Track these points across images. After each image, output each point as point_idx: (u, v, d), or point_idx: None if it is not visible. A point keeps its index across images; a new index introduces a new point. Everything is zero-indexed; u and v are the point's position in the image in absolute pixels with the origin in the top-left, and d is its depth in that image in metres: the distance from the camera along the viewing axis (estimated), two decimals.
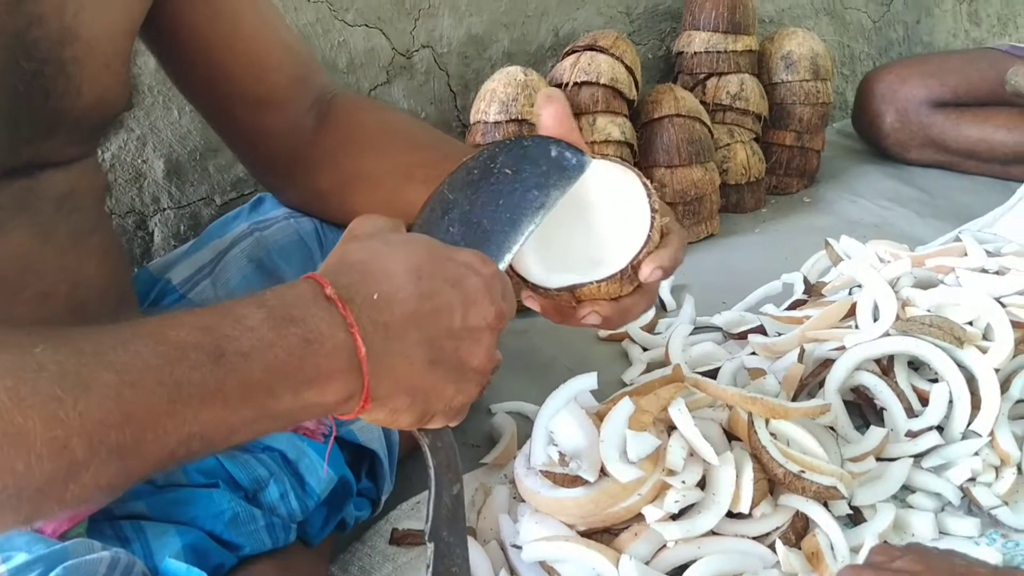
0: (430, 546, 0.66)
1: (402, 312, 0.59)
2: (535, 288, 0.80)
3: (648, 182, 0.79)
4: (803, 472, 0.90)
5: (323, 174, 0.93)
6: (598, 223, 0.81)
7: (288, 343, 0.54)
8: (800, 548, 0.89)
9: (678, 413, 0.93)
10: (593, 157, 0.80)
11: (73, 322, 0.67)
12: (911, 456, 0.99)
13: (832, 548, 0.88)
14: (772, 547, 0.89)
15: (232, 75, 0.87)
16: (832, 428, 1.01)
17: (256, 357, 0.53)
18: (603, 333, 1.39)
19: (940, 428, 1.02)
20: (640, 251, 0.76)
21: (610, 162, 0.81)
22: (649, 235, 0.76)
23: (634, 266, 0.77)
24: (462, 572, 0.67)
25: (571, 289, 0.78)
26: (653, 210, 0.77)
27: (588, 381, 0.96)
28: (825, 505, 0.91)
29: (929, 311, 1.09)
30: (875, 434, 1.00)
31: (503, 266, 0.75)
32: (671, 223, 0.80)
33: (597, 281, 0.77)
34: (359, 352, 0.57)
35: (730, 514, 0.90)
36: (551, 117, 0.79)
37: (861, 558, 0.88)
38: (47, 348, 0.48)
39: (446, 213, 0.77)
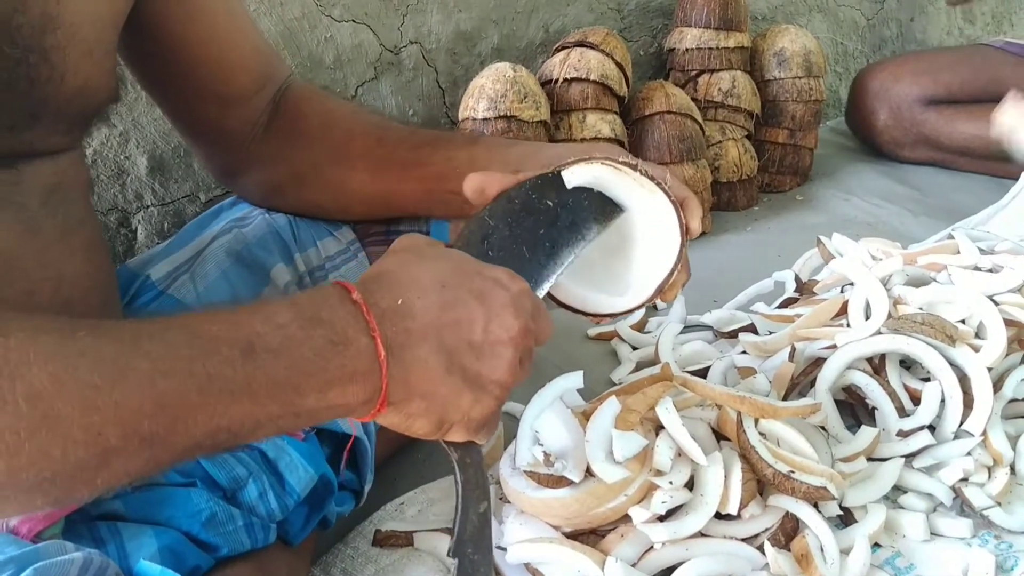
0: (454, 562, 0.67)
1: (423, 320, 0.61)
2: (575, 311, 0.86)
3: (670, 194, 0.82)
4: (793, 472, 0.88)
5: (275, 168, 0.94)
6: (630, 241, 0.85)
7: (315, 343, 0.57)
8: (789, 550, 0.88)
9: (665, 412, 0.92)
10: (625, 166, 0.82)
11: None
12: (903, 456, 0.98)
13: (822, 549, 0.87)
14: (761, 549, 0.87)
15: (202, 75, 0.88)
16: (823, 428, 1.00)
17: (284, 355, 0.55)
18: (592, 331, 1.37)
19: (932, 427, 1.01)
20: (667, 278, 0.83)
21: (637, 177, 0.83)
22: (676, 263, 0.82)
23: (681, 254, 0.83)
24: None
25: (608, 315, 0.85)
26: (682, 232, 0.82)
27: (574, 380, 0.95)
28: (815, 506, 0.90)
29: (921, 309, 1.08)
30: (866, 434, 0.99)
31: (540, 292, 0.78)
32: (678, 185, 0.84)
33: (657, 288, 0.84)
34: (379, 355, 0.58)
35: (718, 515, 0.88)
36: None
37: (851, 559, 0.87)
38: (88, 334, 0.50)
39: (485, 238, 0.79)
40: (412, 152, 0.91)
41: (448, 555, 0.67)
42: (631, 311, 0.86)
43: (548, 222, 0.81)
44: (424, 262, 0.65)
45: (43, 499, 0.50)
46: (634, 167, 0.82)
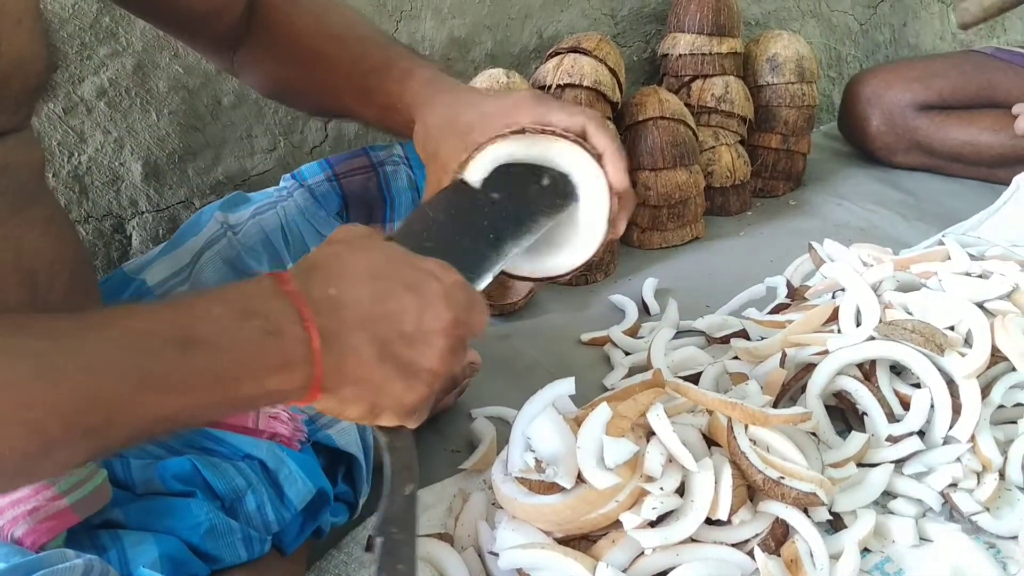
0: (378, 540, 0.67)
1: (356, 310, 0.62)
2: (526, 279, 0.86)
3: (591, 153, 0.82)
4: (782, 478, 0.89)
5: (261, 76, 0.99)
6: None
7: (249, 334, 0.58)
8: (779, 555, 0.89)
9: (656, 419, 0.92)
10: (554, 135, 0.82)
11: (22, 292, 0.69)
12: (892, 462, 0.98)
13: (811, 555, 0.87)
14: (751, 554, 0.88)
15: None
16: (813, 434, 1.00)
17: (220, 346, 0.57)
18: (585, 337, 1.38)
19: (922, 433, 1.01)
20: (600, 245, 0.83)
21: (562, 142, 0.82)
22: (610, 211, 0.82)
23: (611, 208, 0.83)
24: (408, 570, 0.67)
25: (562, 276, 0.84)
26: (610, 200, 0.82)
27: (566, 386, 0.95)
28: (805, 511, 0.90)
29: (911, 315, 1.09)
30: (856, 439, 1.00)
31: (482, 284, 0.78)
32: (594, 131, 0.83)
33: (583, 263, 0.84)
34: (313, 344, 0.60)
35: (709, 521, 0.89)
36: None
37: (841, 565, 0.87)
38: (24, 336, 0.52)
39: (425, 229, 0.78)
40: (362, 79, 0.92)
41: (373, 534, 0.68)
42: (578, 269, 0.85)
43: (492, 214, 0.80)
44: (357, 253, 0.66)
45: None
46: (544, 131, 0.82)
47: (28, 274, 0.71)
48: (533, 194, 0.82)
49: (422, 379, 0.65)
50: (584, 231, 0.84)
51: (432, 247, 0.76)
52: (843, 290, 1.19)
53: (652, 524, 0.87)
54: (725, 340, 1.26)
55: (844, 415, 1.09)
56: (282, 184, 1.05)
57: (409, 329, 0.64)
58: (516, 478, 0.92)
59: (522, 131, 0.82)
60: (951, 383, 1.02)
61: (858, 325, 1.10)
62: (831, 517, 0.93)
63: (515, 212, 0.81)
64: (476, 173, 0.81)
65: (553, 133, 0.82)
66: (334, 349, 0.61)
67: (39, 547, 0.66)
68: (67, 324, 0.54)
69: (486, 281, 0.79)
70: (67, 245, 0.78)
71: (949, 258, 1.24)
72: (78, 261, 0.81)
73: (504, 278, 0.84)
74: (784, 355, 1.10)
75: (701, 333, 1.32)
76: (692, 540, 0.88)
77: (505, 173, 0.82)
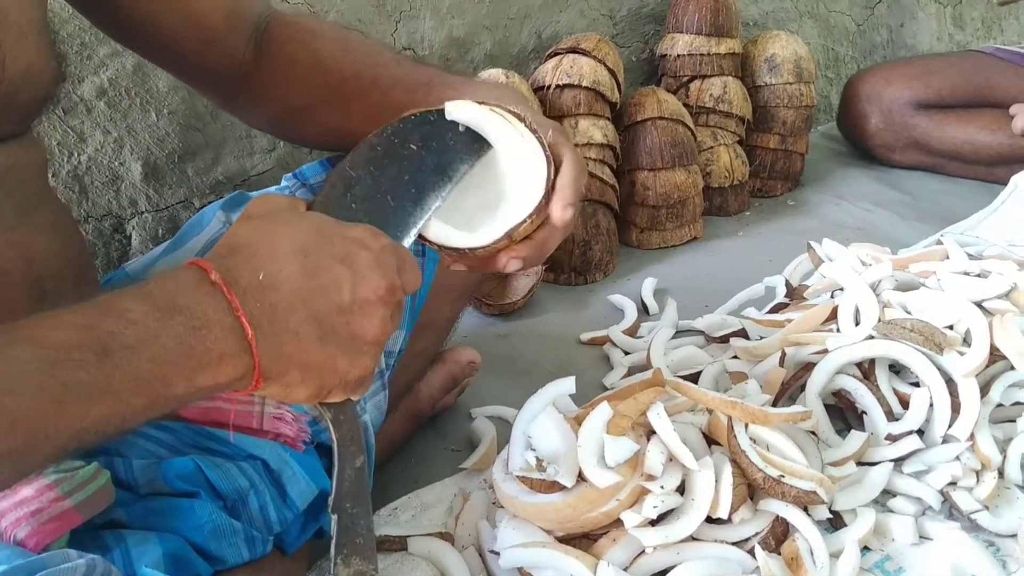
0: (334, 517, 0.66)
1: (288, 291, 0.60)
2: (452, 251, 0.79)
3: (530, 122, 0.80)
4: (783, 477, 0.89)
5: (269, 105, 0.95)
6: (496, 174, 0.81)
7: (175, 332, 0.55)
8: (780, 553, 0.89)
9: (657, 417, 0.92)
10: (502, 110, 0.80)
11: (31, 298, 0.68)
12: (892, 460, 0.99)
13: (812, 553, 0.88)
14: (752, 553, 0.88)
15: (166, 25, 0.87)
16: (813, 432, 1.01)
17: (143, 349, 0.54)
18: (584, 336, 1.38)
19: (921, 432, 1.02)
20: (542, 197, 0.77)
21: (491, 111, 0.81)
22: (547, 177, 0.77)
23: (539, 207, 0.77)
24: (366, 542, 0.66)
25: (488, 247, 0.78)
26: (547, 155, 0.78)
27: (566, 385, 0.95)
28: (805, 510, 0.91)
29: (910, 314, 1.09)
30: (856, 438, 1.00)
31: (409, 240, 0.75)
32: (562, 146, 0.80)
33: (507, 233, 0.77)
34: (247, 334, 0.58)
35: (709, 519, 0.89)
36: None
37: (841, 563, 0.87)
38: None
39: (348, 190, 0.77)
40: (407, 95, 0.89)
41: (328, 512, 0.67)
42: (487, 247, 0.78)
43: (413, 167, 0.79)
44: (282, 228, 0.64)
45: None
46: (508, 111, 0.80)
47: (37, 282, 0.71)
48: (450, 139, 0.80)
49: (365, 352, 0.64)
50: (512, 199, 0.80)
51: (356, 208, 0.74)
52: (842, 289, 1.19)
53: (653, 523, 0.88)
54: (724, 339, 1.26)
55: (843, 414, 1.09)
56: (283, 183, 1.05)
57: (346, 302, 0.62)
58: (517, 477, 0.92)
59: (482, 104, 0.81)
60: (950, 382, 1.02)
61: (857, 324, 1.11)
62: (831, 515, 0.94)
63: (434, 162, 0.79)
64: (455, 113, 0.80)
65: (507, 110, 0.80)
66: (270, 335, 0.59)
67: (42, 548, 0.65)
68: None
69: (412, 237, 0.76)
70: (73, 248, 0.78)
71: (948, 257, 1.24)
72: (83, 265, 0.81)
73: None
74: (783, 354, 1.10)
75: (700, 333, 1.33)
76: (693, 538, 0.88)
77: (423, 122, 0.81)
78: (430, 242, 0.79)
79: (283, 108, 0.95)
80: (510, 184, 0.80)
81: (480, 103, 0.81)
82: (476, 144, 0.80)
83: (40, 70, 0.70)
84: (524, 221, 0.77)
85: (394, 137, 0.80)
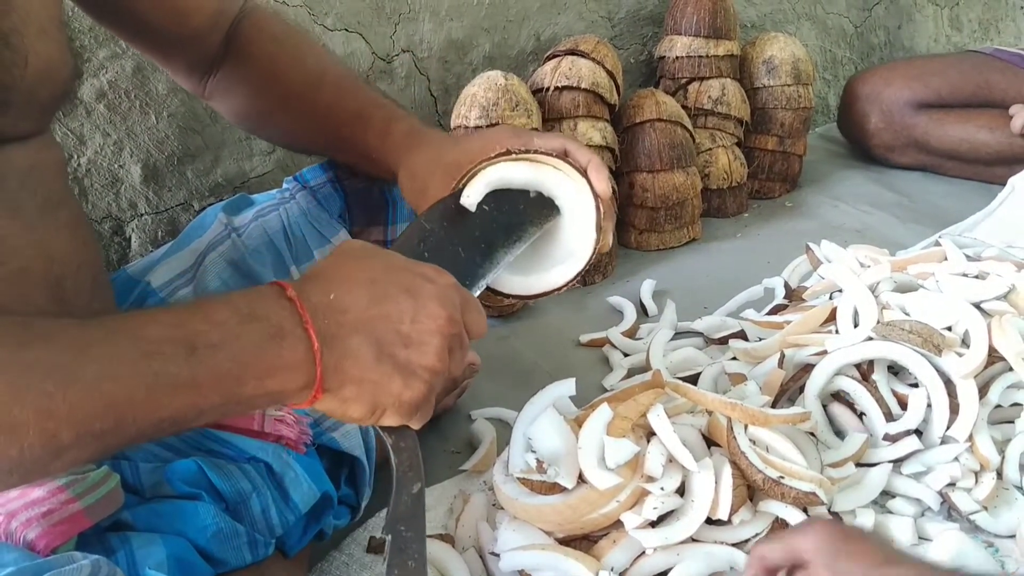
0: (387, 538, 0.69)
1: (354, 313, 0.65)
2: (520, 298, 0.90)
3: (576, 167, 0.87)
4: (782, 478, 0.89)
5: (234, 102, 1.01)
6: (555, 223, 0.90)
7: (253, 337, 0.60)
8: None
9: (657, 419, 0.93)
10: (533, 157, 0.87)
11: (51, 298, 0.71)
12: (891, 461, 0.99)
13: None
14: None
15: (153, 20, 0.91)
16: (812, 434, 1.01)
17: (224, 348, 0.59)
18: (584, 338, 1.38)
19: (919, 433, 1.02)
20: (592, 252, 0.87)
21: (549, 159, 0.87)
22: (597, 229, 0.87)
23: (596, 247, 0.87)
24: (418, 566, 0.68)
25: (553, 292, 0.89)
26: (598, 208, 0.87)
27: (566, 387, 0.96)
28: (805, 511, 0.91)
29: (908, 316, 1.09)
30: (855, 439, 1.00)
31: (476, 290, 0.82)
32: (595, 165, 0.88)
33: (572, 278, 0.88)
34: (313, 346, 0.62)
35: (709, 520, 0.89)
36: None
37: None
38: (40, 344, 0.54)
39: (421, 241, 0.83)
40: (338, 128, 0.96)
41: (382, 532, 0.70)
42: (570, 283, 0.89)
43: (483, 225, 0.85)
44: (358, 261, 0.69)
45: (3, 484, 0.57)
46: (529, 150, 0.86)
47: (57, 280, 0.73)
48: (521, 205, 0.87)
49: (420, 377, 0.67)
50: (574, 242, 0.88)
51: (428, 257, 0.80)
52: (840, 291, 1.19)
53: (653, 524, 0.88)
54: (723, 341, 1.27)
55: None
56: (285, 186, 1.05)
57: (405, 329, 0.66)
58: (517, 479, 0.92)
59: (507, 152, 0.86)
60: (949, 383, 1.02)
61: (856, 326, 1.11)
62: (831, 517, 0.94)
63: (505, 222, 0.86)
64: (471, 197, 0.86)
65: (538, 152, 0.87)
66: (333, 350, 0.63)
67: (51, 550, 0.66)
68: (81, 331, 0.56)
69: (480, 288, 0.83)
70: (90, 248, 0.80)
71: (946, 259, 1.25)
72: (98, 264, 0.82)
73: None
74: (782, 356, 1.11)
75: (699, 334, 1.33)
76: (693, 540, 0.88)
77: (495, 192, 0.87)
78: (499, 292, 0.88)
79: (244, 108, 1.01)
80: (566, 228, 0.89)
81: (519, 154, 0.87)
82: (545, 210, 0.88)
83: (59, 66, 0.71)
84: (587, 264, 0.87)
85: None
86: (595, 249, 0.87)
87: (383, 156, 0.94)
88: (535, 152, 0.87)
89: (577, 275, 0.88)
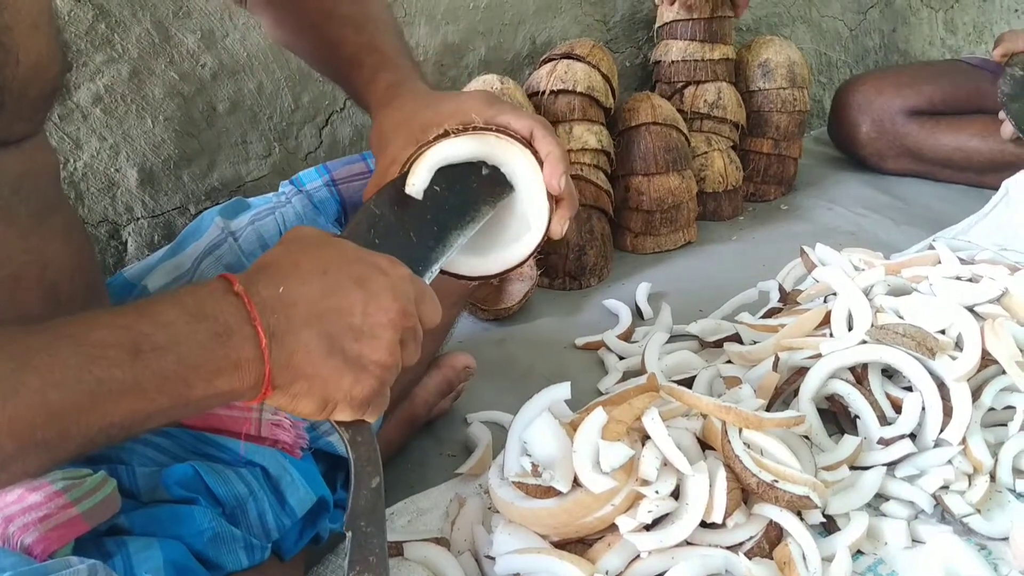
0: (348, 534, 0.68)
1: (304, 306, 0.63)
2: (472, 279, 0.87)
3: (518, 138, 0.84)
4: (776, 481, 0.90)
5: (265, 22, 1.02)
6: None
7: (199, 337, 0.59)
8: (772, 558, 0.89)
9: (651, 423, 0.93)
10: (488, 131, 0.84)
11: (45, 304, 0.70)
12: (884, 464, 0.99)
13: (804, 558, 0.88)
14: (746, 555, 0.88)
15: None
16: (806, 437, 1.01)
17: (170, 351, 0.58)
18: (579, 341, 1.39)
19: (913, 436, 1.02)
20: (544, 233, 0.84)
21: (504, 140, 0.84)
22: (549, 213, 0.84)
23: (547, 228, 0.84)
24: (379, 561, 0.68)
25: (505, 272, 0.86)
26: (550, 195, 0.84)
27: (561, 391, 0.96)
28: (799, 514, 0.91)
29: (902, 319, 1.10)
30: (849, 443, 1.01)
31: (430, 275, 0.80)
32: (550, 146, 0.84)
33: (523, 260, 0.85)
34: (261, 343, 0.61)
35: (704, 524, 0.90)
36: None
37: (834, 567, 0.88)
38: None
39: (372, 227, 0.80)
40: (336, 64, 0.95)
41: (343, 529, 0.69)
42: (527, 259, 0.86)
43: (436, 207, 0.82)
44: (308, 250, 0.67)
45: None
46: (487, 127, 0.84)
47: (51, 287, 0.72)
48: (473, 184, 0.84)
49: (370, 371, 0.66)
50: (529, 215, 0.85)
51: (380, 243, 0.78)
52: (835, 294, 1.20)
53: (648, 527, 0.88)
54: (718, 344, 1.27)
55: (836, 418, 1.10)
56: (281, 190, 1.05)
57: (356, 322, 0.65)
58: (513, 482, 0.92)
59: (467, 129, 0.84)
60: (942, 386, 1.03)
61: (850, 329, 1.11)
62: (824, 520, 0.94)
63: (457, 203, 0.83)
64: (416, 186, 0.83)
65: (495, 130, 0.84)
66: (283, 346, 0.62)
67: (48, 555, 0.66)
68: (25, 339, 0.55)
69: (433, 273, 0.81)
70: (85, 253, 0.79)
71: (939, 262, 1.25)
72: (93, 270, 0.81)
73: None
74: (777, 359, 1.11)
75: (694, 337, 1.33)
76: (688, 543, 0.88)
77: (446, 167, 0.84)
78: (451, 274, 0.84)
79: (270, 27, 1.01)
80: (521, 202, 0.85)
81: (453, 132, 0.84)
82: (498, 187, 0.85)
83: (49, 61, 0.70)
84: (527, 256, 0.85)
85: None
86: (540, 243, 0.85)
87: (367, 105, 0.93)
88: (474, 128, 0.84)
89: (534, 250, 0.85)
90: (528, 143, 0.84)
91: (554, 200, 0.84)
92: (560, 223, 0.84)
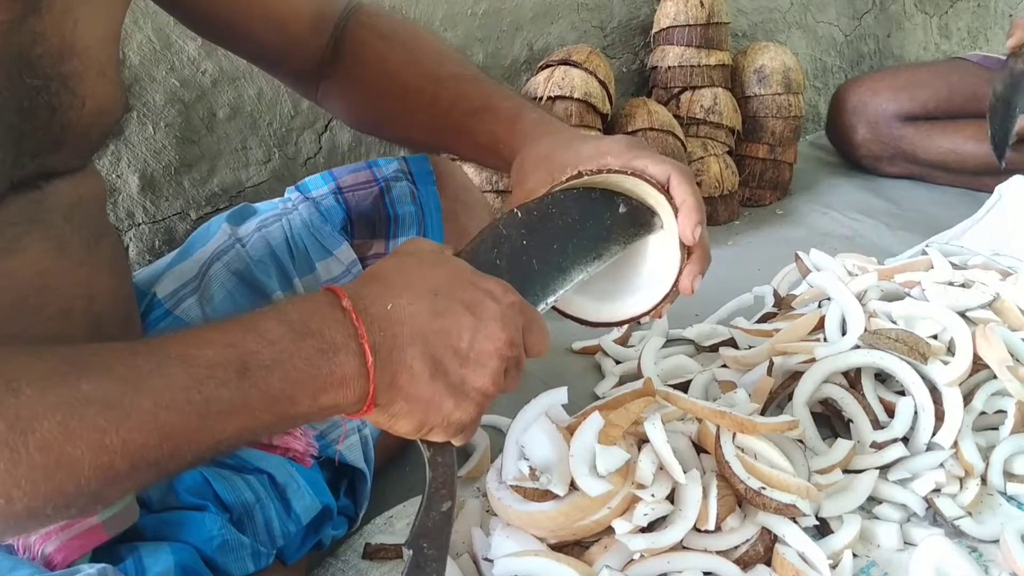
0: (408, 552, 0.67)
1: (411, 326, 0.63)
2: (584, 323, 0.85)
3: (659, 187, 0.81)
4: (763, 488, 0.90)
5: (345, 107, 1.00)
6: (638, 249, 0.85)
7: (306, 354, 0.59)
8: (768, 562, 0.90)
9: (652, 428, 0.94)
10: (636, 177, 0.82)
11: (89, 336, 0.70)
12: (877, 468, 1.00)
13: (804, 560, 0.89)
14: (740, 560, 0.89)
15: (252, 32, 0.90)
16: (800, 440, 1.02)
17: (277, 369, 0.58)
18: (576, 345, 1.40)
19: (906, 440, 1.03)
20: (673, 285, 0.82)
21: (643, 184, 0.82)
22: (680, 264, 0.81)
23: (672, 292, 0.82)
24: None
25: (622, 324, 0.85)
26: (682, 251, 0.82)
27: (558, 395, 0.97)
28: (793, 519, 0.92)
29: (895, 324, 1.11)
30: (842, 446, 1.02)
31: (544, 306, 0.79)
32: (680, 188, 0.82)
33: (645, 312, 0.83)
34: (367, 361, 0.61)
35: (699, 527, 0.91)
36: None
37: (836, 573, 0.89)
38: (91, 380, 0.53)
39: (496, 247, 0.78)
40: (463, 118, 0.92)
41: (404, 546, 0.68)
42: (636, 318, 0.85)
43: (565, 238, 0.80)
44: (422, 268, 0.67)
45: (63, 516, 0.56)
46: (626, 170, 0.81)
47: (95, 319, 0.72)
48: (607, 220, 0.82)
49: (472, 398, 0.66)
50: (650, 281, 0.84)
51: (500, 264, 0.76)
52: (829, 299, 1.21)
53: (643, 530, 0.89)
54: (714, 348, 1.28)
55: (830, 422, 1.11)
56: (287, 196, 1.05)
57: (463, 348, 0.65)
58: (510, 486, 0.93)
59: (601, 171, 0.81)
60: (934, 390, 1.04)
61: (843, 334, 1.13)
62: (818, 522, 0.95)
63: (588, 237, 0.81)
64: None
65: (634, 174, 0.81)
66: (388, 365, 0.62)
67: (68, 563, 0.67)
68: (134, 359, 0.56)
69: (548, 304, 0.80)
70: (126, 282, 0.79)
71: (932, 267, 1.26)
72: (132, 299, 0.81)
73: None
74: (771, 363, 1.12)
75: (690, 342, 1.34)
76: (684, 547, 0.89)
77: (584, 197, 0.82)
78: (564, 313, 0.83)
79: (356, 114, 0.99)
80: (647, 259, 0.84)
81: (608, 170, 0.81)
82: (632, 228, 0.83)
83: (112, 106, 0.71)
84: (658, 305, 0.82)
85: (552, 207, 0.81)
86: (667, 296, 0.82)
87: (506, 146, 0.89)
88: (608, 171, 0.81)
89: (658, 304, 0.83)
90: (664, 189, 0.81)
91: (686, 251, 0.82)
92: (690, 278, 0.82)
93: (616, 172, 0.81)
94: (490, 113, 0.91)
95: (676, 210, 0.81)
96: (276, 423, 0.60)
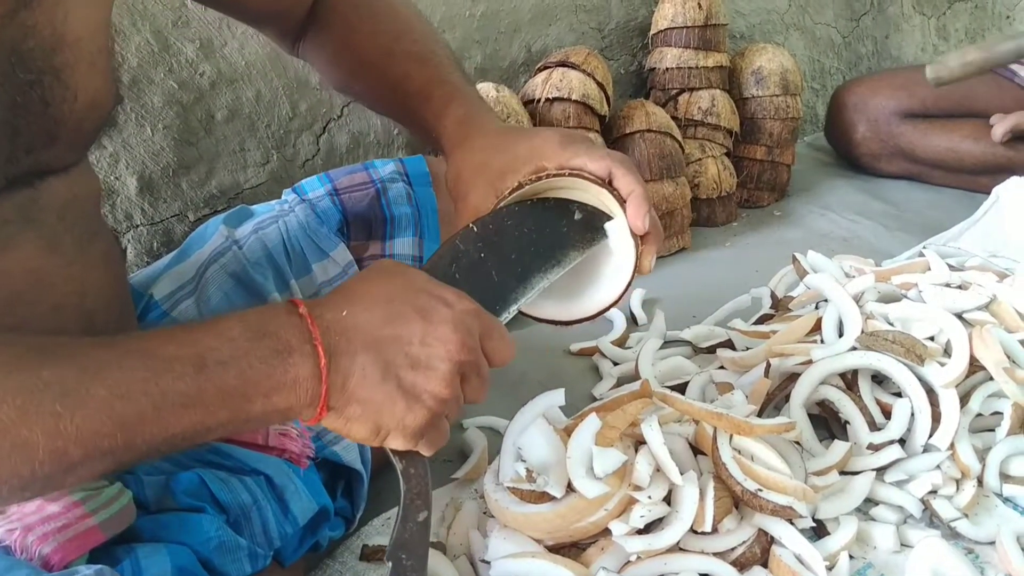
0: (388, 565, 0.69)
1: (364, 331, 0.65)
2: (549, 323, 0.87)
3: (616, 196, 0.82)
4: (760, 490, 0.91)
5: (319, 67, 1.02)
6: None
7: (261, 354, 0.61)
8: (765, 564, 0.90)
9: (649, 430, 0.94)
10: (568, 174, 0.83)
11: (82, 334, 0.71)
12: (874, 469, 1.01)
13: (800, 561, 0.89)
14: (737, 562, 0.90)
15: (251, 4, 0.94)
16: (797, 442, 1.02)
17: (233, 365, 0.60)
18: (574, 347, 1.40)
19: (902, 441, 1.04)
20: (632, 273, 0.84)
21: (588, 185, 0.83)
22: (636, 251, 0.83)
23: (631, 282, 0.84)
24: None
25: (591, 318, 0.87)
26: (636, 245, 0.83)
27: (556, 397, 0.97)
28: (790, 520, 0.92)
29: (892, 326, 1.11)
30: (839, 448, 1.02)
31: (507, 315, 0.79)
32: (634, 187, 0.83)
33: (612, 303, 0.86)
34: (320, 362, 0.63)
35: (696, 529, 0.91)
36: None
37: (833, 574, 0.89)
38: (52, 368, 0.55)
39: (454, 261, 0.80)
40: (404, 99, 0.93)
41: (386, 559, 0.70)
42: (603, 311, 0.87)
43: (522, 248, 0.82)
44: (380, 279, 0.69)
45: (19, 497, 0.60)
46: (570, 174, 0.82)
47: (89, 316, 0.73)
48: (563, 228, 0.84)
49: (424, 402, 0.66)
50: (610, 273, 0.86)
51: (459, 278, 0.78)
52: (826, 301, 1.21)
53: (640, 531, 0.89)
54: (711, 350, 1.28)
55: (827, 424, 1.11)
56: (284, 197, 1.06)
57: (414, 351, 0.66)
58: (507, 487, 0.93)
59: (540, 178, 0.82)
60: (931, 392, 1.04)
61: (840, 336, 1.13)
62: (815, 524, 0.95)
63: (545, 245, 0.83)
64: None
65: (573, 174, 0.82)
66: (340, 368, 0.63)
67: (65, 564, 0.67)
68: (95, 351, 0.58)
69: (510, 312, 0.80)
70: (120, 282, 0.80)
71: (929, 269, 1.27)
72: (126, 297, 0.82)
73: None
74: (768, 365, 1.12)
75: (688, 343, 1.34)
76: (680, 549, 0.90)
77: (538, 207, 0.84)
78: (529, 316, 0.85)
79: (325, 71, 1.02)
80: (605, 252, 0.85)
81: (535, 178, 0.82)
82: (589, 234, 0.84)
83: (104, 98, 0.71)
84: (618, 298, 0.84)
85: (507, 219, 0.83)
86: (629, 285, 0.84)
87: (437, 140, 0.92)
88: (547, 176, 0.82)
89: (622, 293, 0.85)
90: (607, 184, 0.82)
91: (639, 238, 0.83)
92: (648, 259, 0.84)
93: (555, 176, 0.82)
94: (424, 99, 0.92)
95: (623, 201, 0.82)
96: (230, 420, 0.61)
